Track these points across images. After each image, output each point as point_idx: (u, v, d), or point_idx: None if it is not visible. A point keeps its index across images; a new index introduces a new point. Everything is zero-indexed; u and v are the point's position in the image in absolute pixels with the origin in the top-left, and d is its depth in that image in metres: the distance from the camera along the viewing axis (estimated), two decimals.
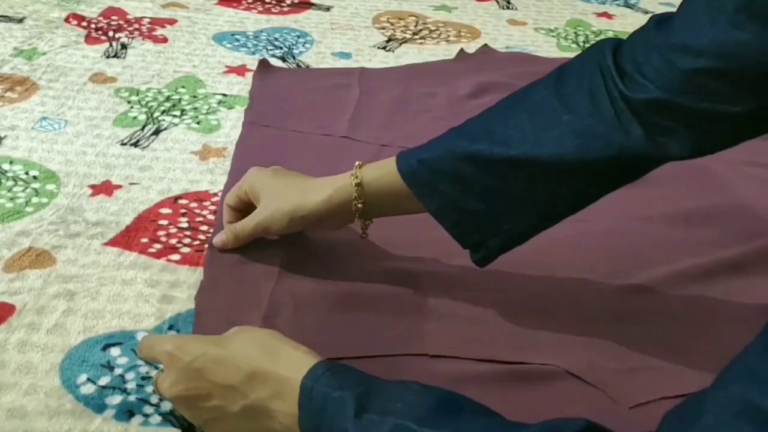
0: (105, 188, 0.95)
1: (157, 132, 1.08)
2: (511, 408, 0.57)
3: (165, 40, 1.36)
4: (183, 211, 0.93)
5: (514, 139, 0.70)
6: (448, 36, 1.51)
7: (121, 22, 1.42)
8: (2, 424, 0.64)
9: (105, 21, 1.41)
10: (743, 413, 0.38)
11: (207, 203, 0.95)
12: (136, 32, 1.38)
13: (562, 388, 0.72)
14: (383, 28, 1.51)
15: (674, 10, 0.68)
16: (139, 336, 0.74)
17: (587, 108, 0.68)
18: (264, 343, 0.62)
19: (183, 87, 1.21)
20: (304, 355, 0.60)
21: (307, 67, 1.33)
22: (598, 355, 0.75)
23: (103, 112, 1.12)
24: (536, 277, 0.85)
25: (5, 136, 1.04)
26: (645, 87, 0.65)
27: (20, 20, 1.38)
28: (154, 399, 0.68)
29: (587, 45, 1.53)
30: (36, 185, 0.95)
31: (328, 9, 1.57)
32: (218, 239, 0.84)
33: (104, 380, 0.69)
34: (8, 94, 1.14)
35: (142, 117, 1.12)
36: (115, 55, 1.29)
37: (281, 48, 1.38)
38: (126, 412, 0.66)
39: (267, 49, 1.37)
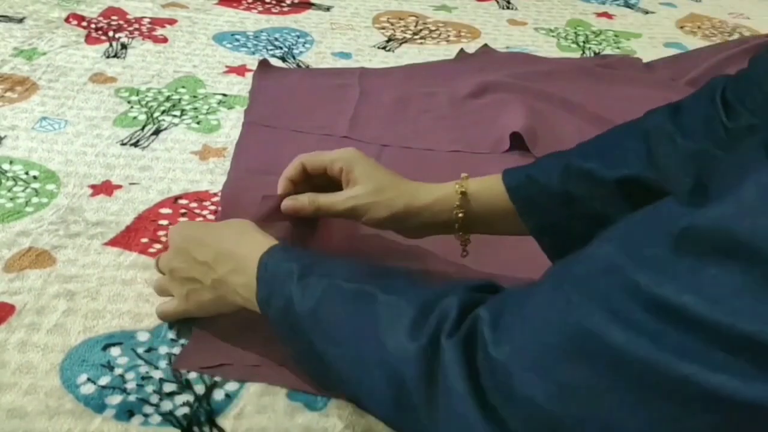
0: (105, 188, 0.95)
1: (157, 132, 1.08)
2: None
3: (165, 40, 1.36)
4: (183, 211, 0.93)
5: (629, 160, 0.70)
6: (448, 36, 1.51)
7: (121, 22, 1.42)
8: (2, 424, 0.64)
9: (105, 21, 1.41)
10: (607, 270, 0.44)
11: (207, 203, 0.95)
12: (136, 32, 1.38)
13: None
14: (383, 28, 1.51)
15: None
16: (139, 336, 0.74)
17: (701, 132, 0.68)
18: (238, 228, 0.71)
19: (183, 87, 1.21)
20: (265, 239, 0.69)
21: (307, 67, 1.33)
22: None
23: (103, 112, 1.12)
24: (537, 277, 0.84)
25: (5, 136, 1.04)
26: (742, 114, 0.66)
27: (20, 20, 1.38)
28: (154, 399, 0.68)
29: (587, 45, 1.53)
30: (36, 185, 0.95)
31: (328, 9, 1.57)
32: (291, 202, 0.77)
33: (104, 380, 0.69)
34: (8, 94, 1.14)
35: (142, 117, 1.12)
36: (115, 55, 1.29)
37: (281, 48, 1.38)
38: (126, 412, 0.66)
39: (267, 49, 1.37)
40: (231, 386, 0.70)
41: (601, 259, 0.45)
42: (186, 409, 0.67)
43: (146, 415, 0.66)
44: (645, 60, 1.46)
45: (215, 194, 0.96)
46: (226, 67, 1.29)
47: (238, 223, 0.73)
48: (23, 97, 1.14)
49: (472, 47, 1.44)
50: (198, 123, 1.12)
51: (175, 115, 1.13)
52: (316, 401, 0.69)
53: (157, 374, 0.70)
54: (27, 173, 0.97)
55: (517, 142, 1.10)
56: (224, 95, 1.20)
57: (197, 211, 0.93)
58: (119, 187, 0.96)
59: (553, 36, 1.56)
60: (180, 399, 0.68)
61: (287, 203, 0.78)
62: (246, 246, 0.68)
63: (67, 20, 1.40)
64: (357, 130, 1.12)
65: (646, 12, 1.72)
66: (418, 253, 0.87)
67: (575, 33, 1.59)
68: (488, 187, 0.76)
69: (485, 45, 1.46)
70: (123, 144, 1.05)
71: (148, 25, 1.41)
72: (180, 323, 0.76)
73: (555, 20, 1.64)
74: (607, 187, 0.70)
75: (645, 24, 1.66)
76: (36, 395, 0.67)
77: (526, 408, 0.47)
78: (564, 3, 1.74)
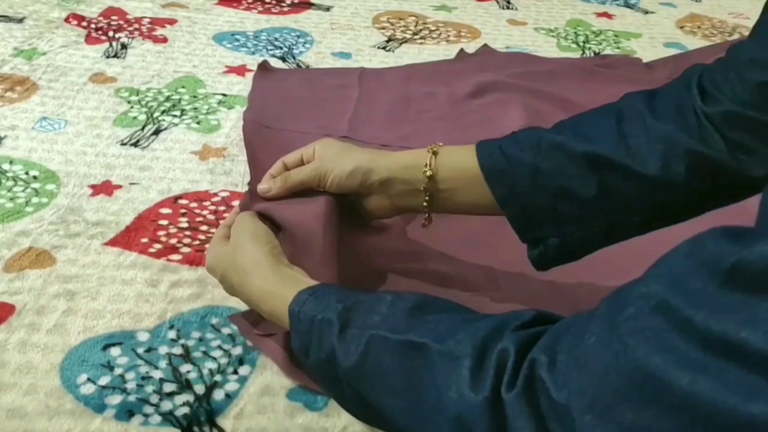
0: (105, 188, 0.95)
1: (157, 132, 1.08)
2: None
3: (165, 40, 1.36)
4: (183, 211, 0.93)
5: (599, 137, 0.71)
6: (448, 36, 1.51)
7: (121, 22, 1.42)
8: (2, 424, 0.64)
9: (105, 21, 1.41)
10: (657, 309, 0.42)
11: (207, 203, 0.95)
12: (136, 32, 1.38)
13: None
14: (383, 28, 1.51)
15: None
16: (139, 336, 0.74)
17: (673, 116, 0.69)
18: (254, 261, 0.70)
19: (183, 87, 1.21)
20: (289, 273, 0.68)
21: (307, 67, 1.33)
22: None
23: (103, 112, 1.12)
24: (536, 277, 0.85)
25: (5, 136, 1.04)
26: (720, 101, 0.67)
27: (20, 20, 1.38)
28: (154, 399, 0.68)
29: (587, 45, 1.53)
30: (36, 185, 0.95)
31: (328, 9, 1.57)
32: (263, 185, 0.80)
33: (104, 380, 0.69)
34: (8, 94, 1.14)
35: (142, 117, 1.12)
36: (115, 55, 1.29)
37: (281, 48, 1.38)
38: (126, 412, 0.66)
39: (267, 49, 1.37)
40: (231, 386, 0.70)
41: (650, 297, 0.44)
42: (186, 409, 0.68)
43: (146, 415, 0.66)
44: (645, 60, 1.46)
45: (215, 194, 0.96)
46: (226, 67, 1.29)
47: (252, 252, 0.71)
48: (23, 97, 1.14)
49: (472, 47, 1.44)
50: (198, 123, 1.12)
51: (175, 115, 1.13)
52: (316, 401, 0.69)
53: (157, 374, 0.70)
54: (27, 173, 0.97)
55: None
56: (224, 95, 1.20)
57: (197, 211, 0.93)
58: (119, 187, 0.96)
59: (553, 36, 1.56)
60: (180, 399, 0.68)
61: (259, 186, 0.80)
62: (271, 298, 0.67)
63: (67, 20, 1.40)
64: (357, 130, 1.12)
65: (646, 12, 1.72)
66: (416, 252, 0.87)
67: (575, 33, 1.59)
68: (460, 152, 0.77)
69: (485, 45, 1.46)
70: (123, 144, 1.05)
71: (148, 25, 1.41)
72: (181, 323, 0.76)
73: (555, 20, 1.64)
74: (575, 161, 0.71)
75: (645, 24, 1.66)
76: (36, 395, 0.67)
77: None
78: (564, 3, 1.74)
